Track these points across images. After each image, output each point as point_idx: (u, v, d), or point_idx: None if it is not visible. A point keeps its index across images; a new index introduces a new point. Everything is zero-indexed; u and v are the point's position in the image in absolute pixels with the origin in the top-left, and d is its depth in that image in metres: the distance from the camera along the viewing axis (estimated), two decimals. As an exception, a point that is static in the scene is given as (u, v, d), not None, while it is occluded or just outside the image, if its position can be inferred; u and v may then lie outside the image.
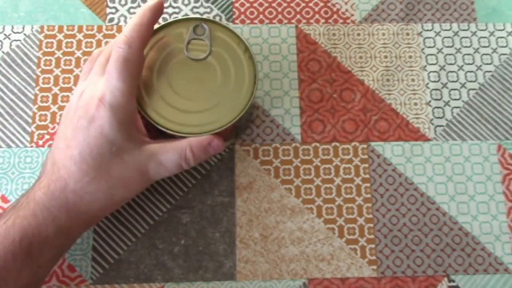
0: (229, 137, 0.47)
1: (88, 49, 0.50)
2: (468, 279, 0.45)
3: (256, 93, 0.41)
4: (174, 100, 0.41)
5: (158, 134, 0.41)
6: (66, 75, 0.49)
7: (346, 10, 0.53)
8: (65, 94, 0.49)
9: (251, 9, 0.53)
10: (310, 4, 0.53)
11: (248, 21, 0.52)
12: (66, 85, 0.49)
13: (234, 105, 0.41)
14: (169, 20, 0.43)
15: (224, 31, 0.43)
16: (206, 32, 0.42)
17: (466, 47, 0.52)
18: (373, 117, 0.50)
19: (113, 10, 0.52)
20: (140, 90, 0.40)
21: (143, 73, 0.41)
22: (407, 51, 0.52)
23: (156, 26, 0.41)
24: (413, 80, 0.51)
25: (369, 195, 0.47)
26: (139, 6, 0.52)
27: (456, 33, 0.53)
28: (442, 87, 0.51)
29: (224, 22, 0.43)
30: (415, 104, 0.50)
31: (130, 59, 0.36)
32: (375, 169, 0.48)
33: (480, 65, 0.52)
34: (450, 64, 0.52)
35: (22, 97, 0.49)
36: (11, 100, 0.49)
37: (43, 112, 0.48)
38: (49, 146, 0.47)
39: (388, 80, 0.51)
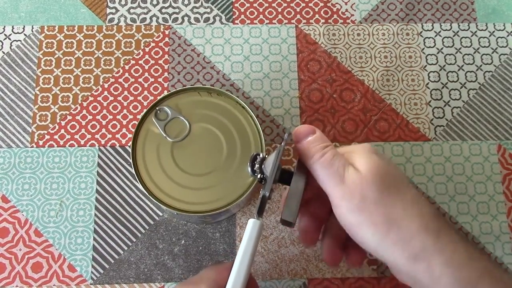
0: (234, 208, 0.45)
1: (88, 49, 0.50)
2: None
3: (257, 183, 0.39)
4: (180, 177, 0.39)
5: None
6: (66, 75, 0.49)
7: (346, 10, 0.53)
8: (65, 94, 0.49)
9: (251, 9, 0.53)
10: (310, 4, 0.53)
11: (248, 21, 0.52)
12: (66, 85, 0.49)
13: (240, 181, 0.39)
14: (163, 95, 0.42)
15: (220, 96, 0.41)
16: (169, 115, 0.40)
17: (466, 47, 0.52)
18: (373, 117, 0.50)
19: (113, 10, 0.52)
20: (146, 170, 0.40)
21: (147, 154, 0.40)
22: (407, 51, 0.52)
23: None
24: (413, 80, 0.51)
25: (369, 195, 0.47)
26: (139, 6, 0.52)
27: (456, 33, 0.53)
28: (442, 87, 0.51)
29: (222, 88, 0.42)
30: (415, 104, 0.50)
31: None
32: (375, 169, 0.48)
33: (480, 65, 0.52)
34: (450, 64, 0.52)
35: (23, 97, 0.49)
36: (12, 100, 0.49)
37: (43, 112, 0.48)
38: (50, 146, 0.47)
39: (388, 80, 0.51)
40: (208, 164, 0.40)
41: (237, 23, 0.52)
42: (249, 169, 0.38)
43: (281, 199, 0.41)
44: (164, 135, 0.40)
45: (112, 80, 0.50)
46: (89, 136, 0.48)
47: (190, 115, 0.41)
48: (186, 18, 0.52)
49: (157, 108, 0.41)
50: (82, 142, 0.47)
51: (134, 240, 0.45)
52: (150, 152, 0.40)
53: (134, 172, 0.39)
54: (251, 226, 0.34)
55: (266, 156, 0.37)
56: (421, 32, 0.52)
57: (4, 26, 0.51)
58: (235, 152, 0.40)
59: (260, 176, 0.37)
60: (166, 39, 0.51)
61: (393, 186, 0.31)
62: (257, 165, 0.37)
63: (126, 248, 0.45)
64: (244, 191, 0.39)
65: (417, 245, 0.30)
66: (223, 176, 0.39)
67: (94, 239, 0.45)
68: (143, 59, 0.50)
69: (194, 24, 0.52)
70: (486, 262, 0.30)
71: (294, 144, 0.35)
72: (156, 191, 0.39)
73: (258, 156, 0.38)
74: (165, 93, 0.42)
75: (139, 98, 0.49)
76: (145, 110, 0.41)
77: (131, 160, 0.40)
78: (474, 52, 0.52)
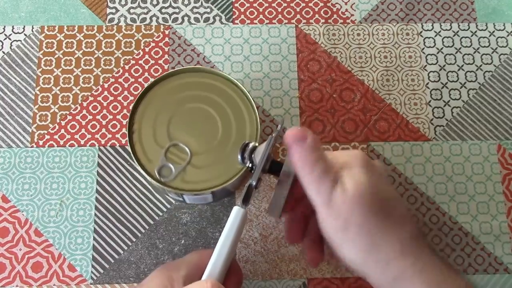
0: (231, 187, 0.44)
1: (88, 49, 0.50)
2: (468, 279, 0.45)
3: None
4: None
5: None
6: (67, 75, 0.50)
7: (346, 10, 0.53)
8: (65, 94, 0.49)
9: (251, 9, 0.53)
10: (310, 4, 0.53)
11: (248, 21, 0.52)
12: (67, 85, 0.49)
13: (231, 166, 0.39)
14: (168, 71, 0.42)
15: (223, 81, 0.41)
16: (173, 173, 0.39)
17: (466, 47, 0.52)
18: (373, 117, 0.50)
19: (113, 10, 0.52)
20: (141, 144, 0.39)
21: (143, 124, 0.40)
22: (407, 51, 0.52)
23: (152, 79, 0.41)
24: (413, 80, 0.51)
25: (369, 195, 0.47)
26: (139, 6, 0.52)
27: (456, 33, 0.53)
28: (442, 87, 0.51)
29: (223, 71, 0.42)
30: (415, 104, 0.50)
31: None
32: (375, 169, 0.48)
33: (480, 65, 0.52)
34: (450, 64, 0.52)
35: (23, 97, 0.49)
36: (12, 100, 0.49)
37: (43, 112, 0.48)
38: (50, 146, 0.47)
39: (388, 80, 0.51)
40: (201, 144, 0.40)
41: (237, 23, 0.52)
42: (239, 157, 0.38)
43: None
44: (176, 171, 0.39)
45: (112, 80, 0.50)
46: (89, 136, 0.48)
47: (188, 96, 0.41)
48: (186, 18, 0.52)
49: (156, 171, 0.39)
50: (82, 142, 0.48)
51: (134, 240, 0.45)
52: (147, 127, 0.40)
53: (128, 142, 0.39)
54: (234, 213, 0.34)
55: (257, 145, 0.37)
56: (421, 32, 0.52)
57: (4, 26, 0.51)
58: (229, 136, 0.40)
59: (250, 165, 0.37)
60: (166, 39, 0.51)
61: (378, 210, 0.31)
62: (247, 154, 0.37)
63: (126, 248, 0.45)
64: (232, 176, 0.39)
65: (395, 269, 0.31)
66: (215, 158, 0.39)
67: (94, 239, 0.45)
68: (143, 59, 0.50)
69: (194, 24, 0.52)
70: (460, 281, 0.32)
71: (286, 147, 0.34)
72: (147, 163, 0.39)
73: (248, 145, 0.38)
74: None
75: (139, 98, 0.49)
76: (154, 80, 0.41)
77: (127, 128, 0.39)
78: (474, 52, 0.52)
